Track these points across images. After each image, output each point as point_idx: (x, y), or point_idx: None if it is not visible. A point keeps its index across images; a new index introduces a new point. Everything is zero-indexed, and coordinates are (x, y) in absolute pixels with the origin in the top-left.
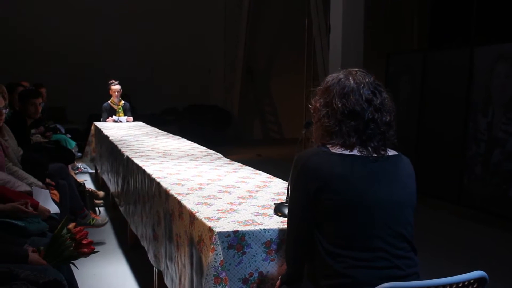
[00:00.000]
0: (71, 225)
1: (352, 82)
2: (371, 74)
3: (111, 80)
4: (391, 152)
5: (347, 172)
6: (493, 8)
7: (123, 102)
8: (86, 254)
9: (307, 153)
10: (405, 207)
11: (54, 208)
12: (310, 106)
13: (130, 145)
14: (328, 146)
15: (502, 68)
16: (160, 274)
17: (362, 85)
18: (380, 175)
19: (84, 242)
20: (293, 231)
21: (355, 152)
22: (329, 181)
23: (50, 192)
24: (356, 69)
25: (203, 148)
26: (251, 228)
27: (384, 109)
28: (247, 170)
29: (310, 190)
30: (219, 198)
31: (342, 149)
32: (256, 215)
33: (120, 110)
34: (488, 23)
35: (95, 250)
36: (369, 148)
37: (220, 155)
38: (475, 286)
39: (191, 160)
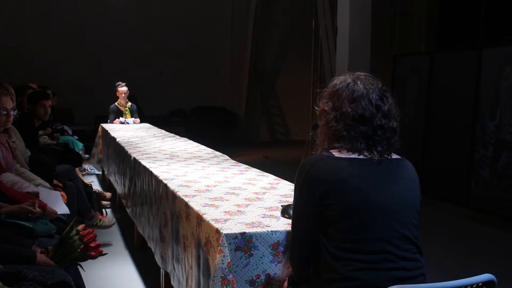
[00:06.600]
0: (80, 227)
1: (361, 87)
2: (377, 79)
3: (118, 81)
4: (395, 157)
5: (352, 175)
6: (501, 9)
7: (130, 103)
8: (94, 257)
9: (311, 160)
10: (409, 209)
11: (64, 209)
12: (317, 108)
13: (137, 147)
14: (332, 151)
15: (510, 70)
16: (167, 275)
17: (371, 91)
18: (384, 176)
19: (92, 245)
20: (298, 237)
21: (360, 156)
22: (334, 186)
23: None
24: (363, 74)
25: (210, 150)
26: (258, 230)
27: (391, 115)
28: (254, 172)
29: (316, 197)
30: (226, 200)
31: (349, 153)
32: (263, 217)
33: (127, 112)
34: (497, 25)
35: (102, 253)
36: (374, 152)
37: (227, 156)
38: None
39: (198, 162)
